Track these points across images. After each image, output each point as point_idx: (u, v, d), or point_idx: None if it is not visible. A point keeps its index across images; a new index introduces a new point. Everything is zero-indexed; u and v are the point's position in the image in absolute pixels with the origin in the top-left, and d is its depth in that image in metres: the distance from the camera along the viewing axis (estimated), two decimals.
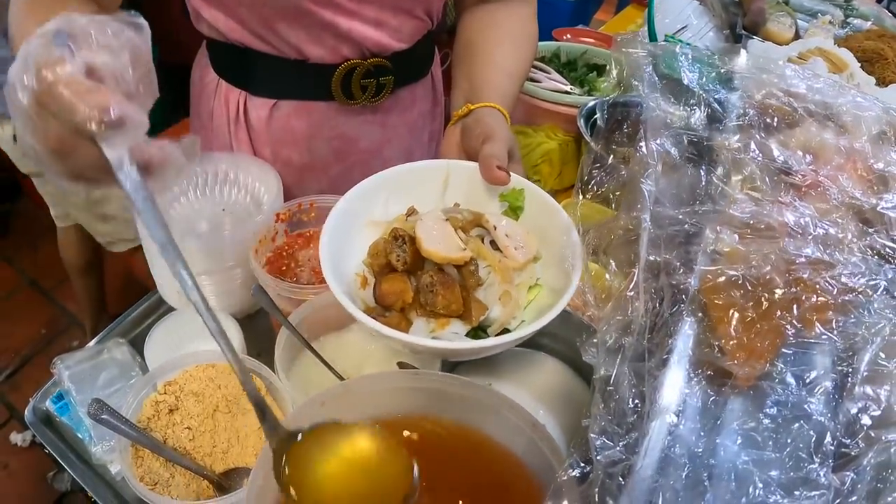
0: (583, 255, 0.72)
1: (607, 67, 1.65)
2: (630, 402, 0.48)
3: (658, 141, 0.60)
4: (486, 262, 0.76)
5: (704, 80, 0.70)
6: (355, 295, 0.77)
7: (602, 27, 2.32)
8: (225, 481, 0.81)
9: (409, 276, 0.75)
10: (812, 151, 0.70)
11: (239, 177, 1.13)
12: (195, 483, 0.80)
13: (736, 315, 0.57)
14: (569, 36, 1.96)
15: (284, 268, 0.99)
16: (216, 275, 1.02)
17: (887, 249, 0.61)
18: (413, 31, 1.10)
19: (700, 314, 0.59)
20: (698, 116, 0.69)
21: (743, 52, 0.84)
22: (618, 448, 0.45)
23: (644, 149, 0.60)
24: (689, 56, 0.71)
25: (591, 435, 0.47)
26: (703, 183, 0.65)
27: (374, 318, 0.70)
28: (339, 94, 1.09)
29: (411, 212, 0.83)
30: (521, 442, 0.66)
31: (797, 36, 1.74)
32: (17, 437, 2.23)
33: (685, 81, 0.68)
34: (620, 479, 0.44)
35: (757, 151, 0.64)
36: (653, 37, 1.71)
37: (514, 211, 0.83)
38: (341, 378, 0.85)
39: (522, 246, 0.78)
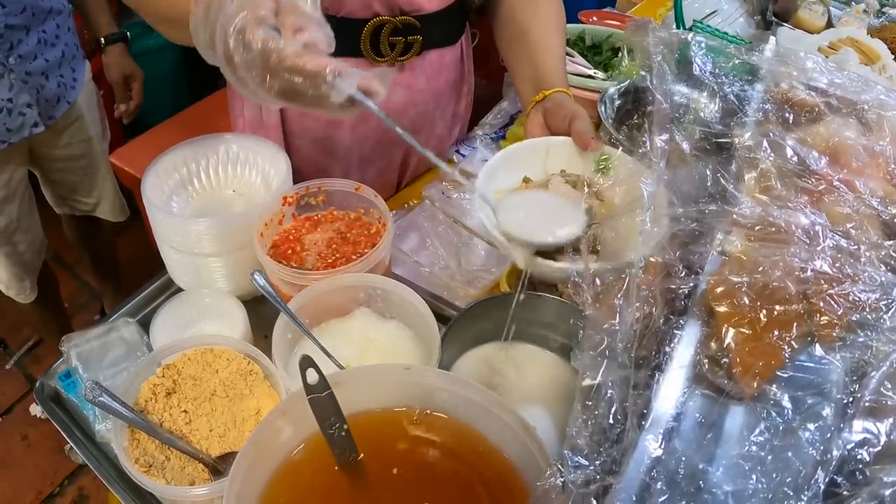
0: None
1: (619, 54, 1.61)
2: (611, 418, 0.46)
3: (663, 136, 0.58)
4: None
5: (719, 71, 0.67)
6: None
7: (631, 10, 2.26)
8: (220, 464, 0.81)
9: None
10: (831, 151, 0.67)
11: (249, 157, 1.12)
12: (190, 466, 0.80)
13: (740, 325, 0.54)
14: (595, 18, 1.92)
15: (290, 251, 0.98)
16: (225, 257, 1.01)
17: None
18: None
19: (701, 322, 0.57)
20: (712, 110, 0.66)
21: (771, 39, 0.81)
22: (591, 468, 0.43)
23: (648, 144, 0.57)
24: (703, 45, 0.68)
25: (566, 451, 0.45)
26: (712, 181, 0.63)
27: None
28: (367, 51, 1.14)
29: (526, 180, 1.01)
30: (513, 443, 0.65)
31: (829, 24, 1.68)
32: (36, 409, 2.27)
33: (696, 72, 0.65)
34: (594, 501, 0.42)
35: (769, 151, 0.61)
36: (680, 22, 1.66)
37: (603, 172, 0.99)
38: (341, 367, 0.84)
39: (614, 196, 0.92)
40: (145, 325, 1.04)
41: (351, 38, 1.12)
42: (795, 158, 0.63)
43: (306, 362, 0.63)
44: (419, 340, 0.90)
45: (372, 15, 1.11)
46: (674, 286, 0.55)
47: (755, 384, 0.55)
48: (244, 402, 0.84)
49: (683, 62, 0.68)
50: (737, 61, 0.69)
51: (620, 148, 0.78)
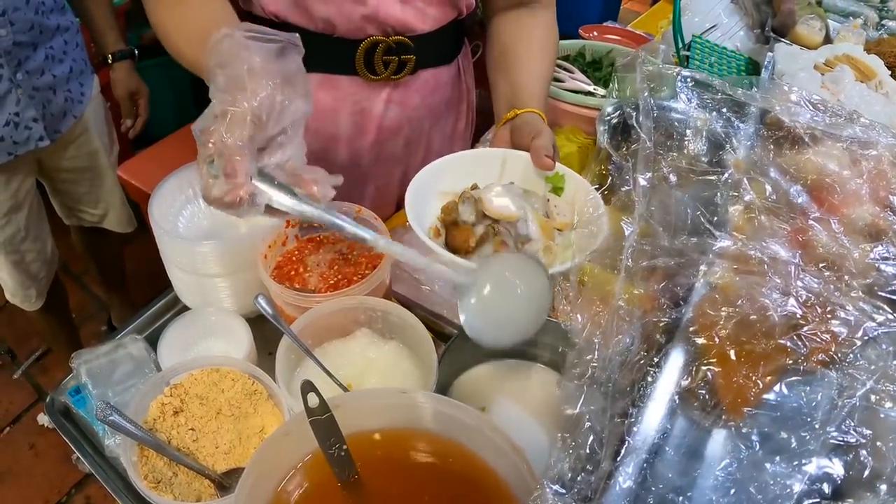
0: (608, 224, 0.84)
1: (609, 87, 1.64)
2: (588, 448, 0.49)
3: (646, 175, 0.60)
4: (533, 220, 0.92)
5: (705, 106, 0.70)
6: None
7: (633, 23, 2.28)
8: (226, 480, 0.84)
9: (473, 228, 0.92)
10: (813, 185, 0.70)
11: None
12: (197, 482, 0.83)
13: (719, 357, 0.57)
14: (595, 33, 1.94)
15: (293, 273, 1.01)
16: (230, 277, 1.04)
17: (874, 303, 0.60)
18: (439, 15, 1.18)
19: (681, 353, 0.59)
20: (697, 144, 0.68)
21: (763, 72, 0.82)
22: (570, 496, 0.46)
23: (631, 182, 0.60)
24: (689, 80, 0.70)
25: (545, 481, 0.48)
26: (697, 214, 0.65)
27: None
28: (361, 69, 1.18)
29: (474, 187, 1.02)
30: (504, 463, 0.67)
31: (828, 38, 1.70)
32: (44, 419, 2.31)
33: (680, 109, 0.68)
34: None
35: (752, 186, 0.64)
36: (679, 38, 1.68)
37: (556, 191, 1.01)
38: (342, 387, 0.86)
39: (564, 214, 0.96)
40: (152, 341, 1.07)
41: (346, 57, 1.16)
42: (776, 195, 0.66)
43: (307, 387, 0.66)
44: (418, 361, 0.93)
45: (365, 36, 1.14)
46: (656, 318, 0.58)
47: (732, 416, 0.57)
48: (249, 421, 0.87)
49: (671, 97, 0.70)
50: (722, 96, 0.72)
51: (609, 178, 0.80)
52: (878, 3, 1.89)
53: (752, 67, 1.74)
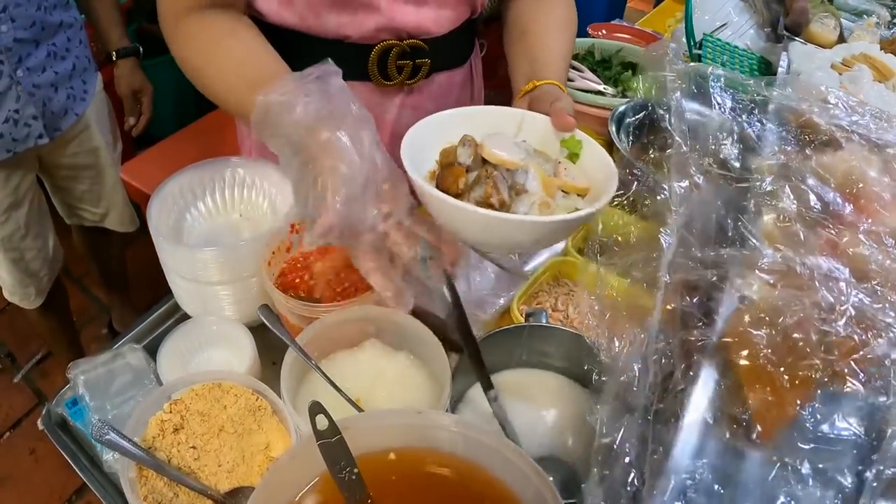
0: (614, 183, 0.80)
1: (630, 70, 1.60)
2: (628, 482, 0.45)
3: (683, 183, 0.56)
4: (535, 173, 0.85)
5: (739, 107, 0.66)
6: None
7: (640, 21, 2.24)
8: (230, 500, 0.80)
9: (468, 172, 0.86)
10: (853, 193, 0.66)
11: (256, 182, 1.11)
12: (199, 502, 0.79)
13: (760, 379, 0.53)
14: (604, 31, 1.91)
15: (298, 280, 0.97)
16: (233, 284, 1.00)
17: None
18: (453, 15, 1.13)
19: (718, 373, 0.55)
20: (729, 149, 0.64)
21: (788, 63, 0.79)
22: None
23: (668, 191, 0.56)
24: (722, 80, 0.66)
25: None
26: (730, 222, 0.61)
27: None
28: (375, 75, 1.12)
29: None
30: (525, 487, 0.63)
31: (842, 37, 1.66)
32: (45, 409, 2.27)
33: (715, 110, 0.64)
34: None
35: (790, 193, 0.60)
36: (690, 36, 1.64)
37: (571, 158, 0.94)
38: (351, 401, 0.83)
39: (574, 178, 0.89)
40: (152, 350, 1.03)
41: (358, 63, 1.10)
42: (818, 204, 0.62)
43: (316, 408, 0.62)
44: (429, 372, 0.89)
45: (378, 41, 1.09)
46: (692, 337, 0.54)
47: (773, 441, 0.53)
48: (253, 438, 0.83)
49: (700, 96, 0.66)
50: (758, 97, 0.68)
51: (634, 184, 0.75)
52: (890, 1, 1.85)
53: (765, 66, 1.70)
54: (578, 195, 0.89)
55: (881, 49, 1.54)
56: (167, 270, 1.04)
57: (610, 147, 1.43)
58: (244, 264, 0.98)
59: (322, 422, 0.62)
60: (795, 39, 1.62)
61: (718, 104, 0.65)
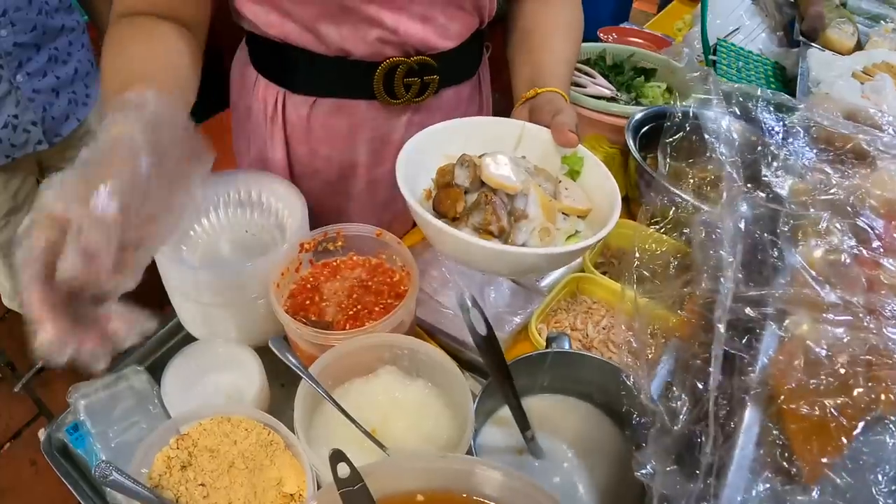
0: (618, 209, 0.80)
1: (643, 75, 1.56)
2: None
3: (740, 224, 0.52)
4: (535, 197, 0.83)
5: (786, 133, 0.62)
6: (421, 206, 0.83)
7: (648, 24, 2.20)
8: None
9: (466, 195, 0.84)
10: (888, 213, 0.62)
11: (262, 197, 1.07)
12: None
13: (809, 424, 0.49)
14: (615, 35, 1.87)
15: (308, 302, 0.93)
16: (239, 306, 0.96)
17: None
18: (461, 28, 1.08)
19: (762, 415, 0.52)
20: (779, 178, 0.60)
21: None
22: None
23: (721, 229, 0.52)
24: (768, 105, 0.62)
25: None
26: (775, 254, 0.57)
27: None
28: (380, 93, 1.07)
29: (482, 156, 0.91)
30: None
31: (859, 44, 1.62)
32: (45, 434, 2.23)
33: (765, 135, 0.60)
34: None
35: (838, 225, 0.56)
36: (705, 42, 1.60)
37: (572, 175, 0.93)
38: (367, 433, 0.78)
39: (574, 199, 0.87)
40: (154, 370, 0.99)
41: (363, 81, 1.05)
42: (851, 227, 0.58)
43: (337, 457, 0.58)
44: (448, 400, 0.85)
45: (384, 58, 1.03)
46: (731, 375, 0.50)
47: (815, 483, 0.50)
48: (265, 473, 0.78)
49: (743, 117, 0.62)
50: (800, 119, 0.64)
51: (672, 211, 0.72)
52: None
53: (780, 72, 1.67)
54: (579, 217, 0.88)
55: None
56: (170, 290, 1.00)
57: (626, 154, 1.40)
58: (250, 285, 0.94)
59: (343, 470, 0.58)
60: (812, 45, 1.58)
61: (767, 130, 0.61)
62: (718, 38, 1.69)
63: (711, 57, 1.58)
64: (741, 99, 0.63)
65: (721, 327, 0.49)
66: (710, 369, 0.49)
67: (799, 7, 1.74)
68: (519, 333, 1.07)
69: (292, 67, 1.08)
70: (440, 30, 1.04)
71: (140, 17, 0.90)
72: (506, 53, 1.19)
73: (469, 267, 0.90)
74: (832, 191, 0.65)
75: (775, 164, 0.60)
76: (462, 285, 1.14)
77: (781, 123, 0.62)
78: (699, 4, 1.69)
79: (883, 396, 0.56)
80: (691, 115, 0.67)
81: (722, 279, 0.51)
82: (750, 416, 0.54)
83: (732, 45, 1.66)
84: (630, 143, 1.24)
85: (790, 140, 0.66)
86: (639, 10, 2.67)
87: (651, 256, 0.64)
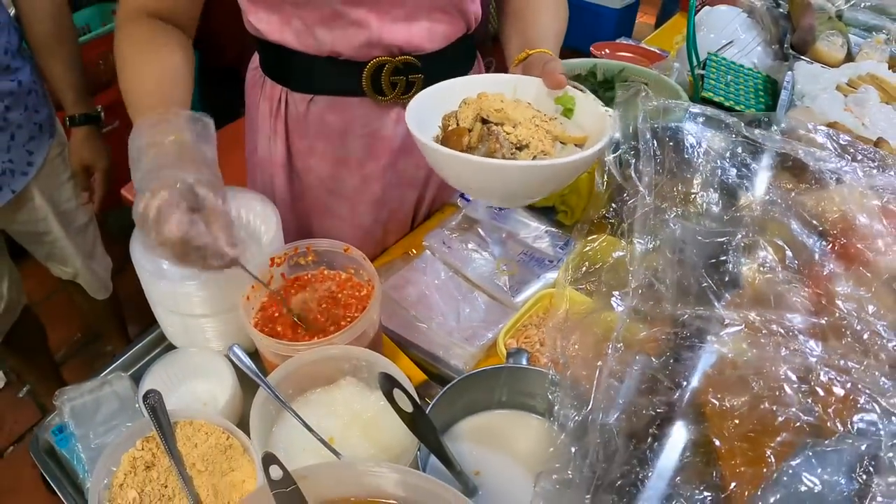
0: (611, 129, 0.85)
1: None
2: None
3: (648, 243, 0.54)
4: (533, 127, 0.89)
5: (714, 153, 0.63)
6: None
7: (648, 38, 2.21)
8: None
9: (469, 133, 0.90)
10: (836, 237, 0.63)
11: (241, 213, 1.10)
12: None
13: (734, 442, 0.51)
14: (607, 51, 1.88)
15: (278, 315, 0.96)
16: (216, 317, 1.00)
17: None
18: (447, 31, 1.16)
19: (688, 431, 0.53)
20: (706, 194, 0.62)
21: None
22: None
23: (627, 252, 0.54)
24: (700, 119, 0.64)
25: None
26: (707, 274, 0.59)
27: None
28: (369, 90, 1.16)
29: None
30: None
31: (849, 56, 1.62)
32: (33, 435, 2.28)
33: (690, 156, 0.62)
34: None
35: (767, 248, 0.57)
36: (693, 56, 1.61)
37: (566, 114, 0.99)
38: (324, 442, 0.81)
39: (570, 131, 0.93)
40: (138, 378, 1.03)
41: (353, 79, 1.14)
42: (795, 250, 0.59)
43: (269, 459, 0.61)
44: None
45: (370, 58, 1.12)
46: (654, 398, 0.52)
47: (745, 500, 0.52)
48: (226, 476, 0.82)
49: (676, 138, 0.64)
50: (738, 138, 0.65)
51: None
52: None
53: (771, 85, 1.67)
54: (576, 145, 0.93)
55: (889, 68, 1.50)
56: (152, 303, 1.04)
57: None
58: (227, 297, 0.97)
59: (276, 472, 0.61)
60: (801, 58, 1.58)
61: (693, 151, 0.63)
62: (710, 53, 1.69)
63: (699, 71, 1.59)
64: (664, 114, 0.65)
65: (618, 346, 0.51)
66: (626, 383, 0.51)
67: (792, 19, 1.74)
68: (490, 348, 1.10)
69: (291, 68, 1.18)
70: (425, 32, 1.13)
71: (141, 29, 1.01)
72: (500, 36, 1.24)
73: (477, 194, 0.99)
74: (785, 217, 0.66)
75: (710, 184, 0.62)
76: (438, 299, 1.17)
77: (707, 135, 0.63)
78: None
79: (812, 418, 0.57)
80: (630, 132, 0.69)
81: (621, 297, 0.53)
82: (674, 439, 0.56)
83: (723, 58, 1.66)
84: (609, 160, 1.25)
85: (713, 157, 0.68)
86: (643, 24, 2.67)
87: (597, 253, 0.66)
